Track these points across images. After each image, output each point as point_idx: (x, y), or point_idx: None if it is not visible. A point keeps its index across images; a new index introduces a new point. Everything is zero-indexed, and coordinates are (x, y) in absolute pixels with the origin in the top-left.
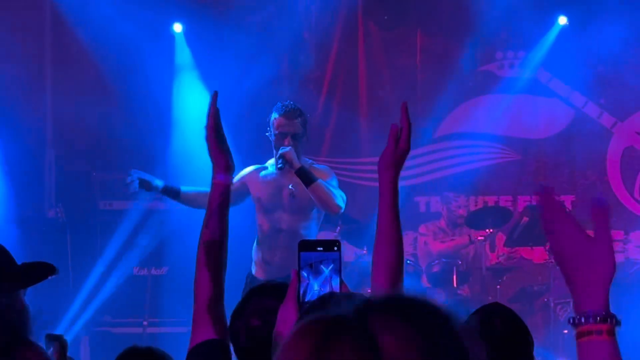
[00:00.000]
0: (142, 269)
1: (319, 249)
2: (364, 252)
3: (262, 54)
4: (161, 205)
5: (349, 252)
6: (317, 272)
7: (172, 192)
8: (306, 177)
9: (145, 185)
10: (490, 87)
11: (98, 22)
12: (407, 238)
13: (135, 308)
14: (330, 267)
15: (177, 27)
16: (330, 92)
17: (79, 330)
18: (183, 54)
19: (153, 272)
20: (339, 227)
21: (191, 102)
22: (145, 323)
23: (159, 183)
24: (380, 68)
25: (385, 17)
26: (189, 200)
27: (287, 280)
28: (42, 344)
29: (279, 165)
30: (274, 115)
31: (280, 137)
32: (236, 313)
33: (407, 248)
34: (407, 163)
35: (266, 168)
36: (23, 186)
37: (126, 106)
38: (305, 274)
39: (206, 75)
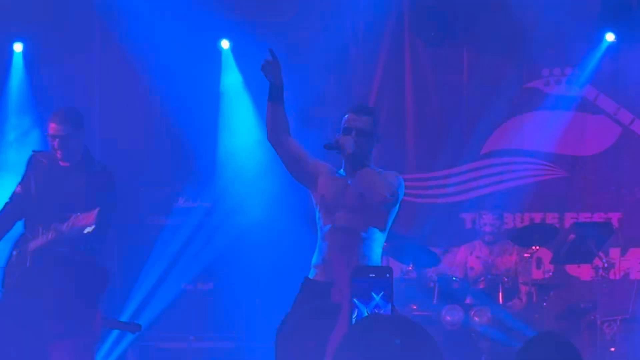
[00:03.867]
0: (189, 284)
1: (371, 275)
2: (409, 268)
3: (309, 70)
4: (208, 221)
5: (394, 268)
6: (368, 299)
7: (280, 94)
8: None
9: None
10: (536, 104)
11: (145, 38)
12: (452, 255)
13: (182, 323)
14: (381, 294)
15: (224, 44)
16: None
17: (126, 344)
18: (230, 70)
19: (200, 287)
20: (384, 243)
21: (238, 118)
22: (191, 338)
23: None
24: (426, 84)
25: (432, 34)
26: (279, 115)
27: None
28: None
29: (326, 144)
30: (344, 116)
31: (346, 132)
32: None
33: (453, 265)
34: (453, 179)
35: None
36: None
37: (173, 122)
38: (357, 300)
39: (252, 91)
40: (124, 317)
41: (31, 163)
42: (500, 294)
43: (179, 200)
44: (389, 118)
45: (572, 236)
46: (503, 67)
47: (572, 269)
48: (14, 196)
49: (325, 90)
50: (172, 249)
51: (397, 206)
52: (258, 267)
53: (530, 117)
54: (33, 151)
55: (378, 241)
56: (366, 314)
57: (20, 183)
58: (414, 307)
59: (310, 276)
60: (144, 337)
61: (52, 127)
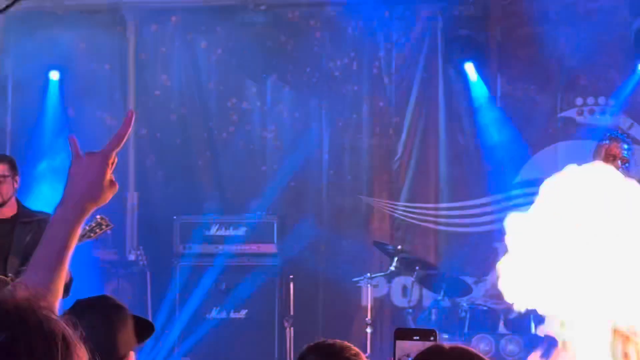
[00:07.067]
0: (220, 312)
1: (415, 338)
2: (440, 298)
3: (343, 98)
4: (239, 249)
5: (425, 296)
6: None
7: None
8: None
9: None
10: (570, 134)
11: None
12: (485, 284)
13: (213, 351)
14: None
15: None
16: (409, 137)
17: None
18: None
19: (232, 315)
20: (415, 272)
21: None
22: None
23: None
24: (459, 113)
25: (466, 63)
26: None
27: None
28: None
29: None
30: (601, 144)
31: (609, 159)
32: None
33: (486, 293)
34: (486, 208)
35: None
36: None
37: (216, 149)
38: None
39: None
40: (156, 344)
41: None
42: (533, 323)
43: None
44: (423, 147)
45: None
46: (537, 96)
47: None
48: None
49: (358, 119)
50: (204, 277)
51: None
52: None
53: (564, 146)
54: None
55: None
56: None
57: None
58: (446, 336)
59: None
60: None
61: None
